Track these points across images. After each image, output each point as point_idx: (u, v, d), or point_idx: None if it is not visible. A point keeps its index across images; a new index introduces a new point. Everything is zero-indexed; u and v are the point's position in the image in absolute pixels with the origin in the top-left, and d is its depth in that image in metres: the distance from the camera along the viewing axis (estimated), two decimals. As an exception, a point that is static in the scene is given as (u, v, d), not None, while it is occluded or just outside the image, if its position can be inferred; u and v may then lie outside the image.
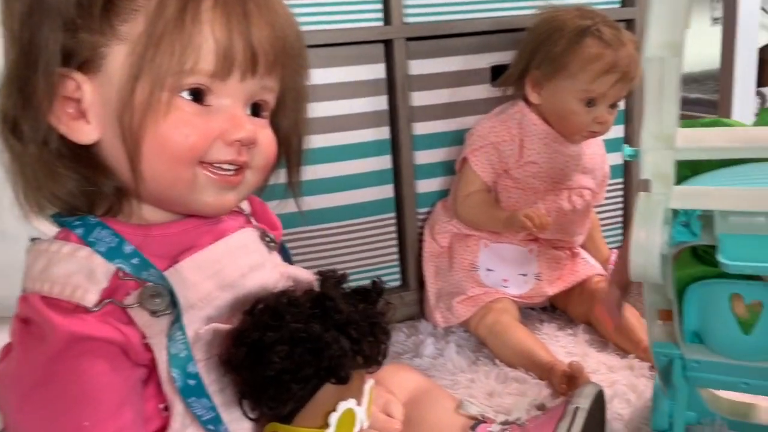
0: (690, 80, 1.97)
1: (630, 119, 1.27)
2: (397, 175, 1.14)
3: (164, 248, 0.54)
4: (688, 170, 0.68)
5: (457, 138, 1.14)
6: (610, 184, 1.21)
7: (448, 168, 1.16)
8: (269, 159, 0.57)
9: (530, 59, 1.05)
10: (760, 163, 0.66)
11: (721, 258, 0.57)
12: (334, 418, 0.53)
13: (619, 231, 1.34)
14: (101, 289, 0.50)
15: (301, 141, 0.63)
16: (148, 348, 0.51)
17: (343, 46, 1.05)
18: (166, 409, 0.52)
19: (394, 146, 1.13)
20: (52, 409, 0.49)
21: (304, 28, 1.02)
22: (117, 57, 0.50)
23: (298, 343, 0.50)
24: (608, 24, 1.03)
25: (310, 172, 1.05)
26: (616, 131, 1.24)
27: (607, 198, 1.23)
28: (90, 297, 0.49)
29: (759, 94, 1.49)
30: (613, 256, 1.18)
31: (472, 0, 1.11)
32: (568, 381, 0.89)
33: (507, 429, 0.75)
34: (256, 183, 0.58)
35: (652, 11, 0.51)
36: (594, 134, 1.07)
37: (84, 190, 0.53)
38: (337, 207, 1.10)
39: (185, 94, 0.51)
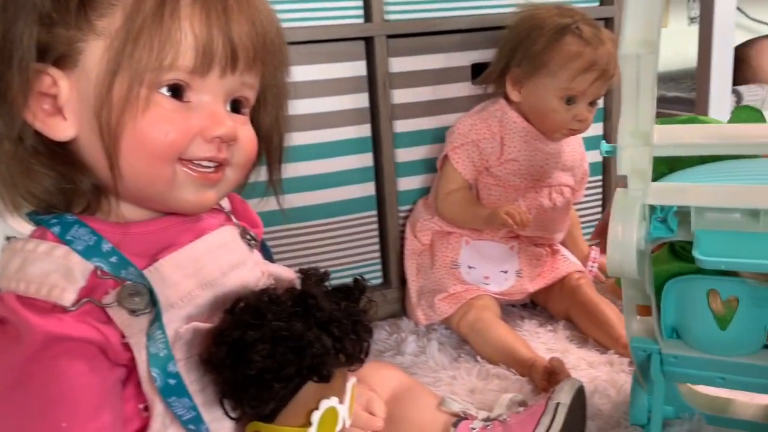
0: (668, 79, 1.99)
1: (609, 117, 1.28)
2: (379, 172, 1.14)
3: (143, 246, 0.53)
4: (666, 167, 0.68)
5: (439, 135, 1.14)
6: (590, 182, 1.22)
7: (430, 165, 1.16)
8: (249, 156, 0.57)
9: (510, 57, 1.06)
10: (735, 160, 0.66)
11: (697, 254, 0.58)
12: (316, 417, 0.53)
13: (599, 228, 1.35)
14: (79, 288, 0.49)
15: (281, 138, 0.63)
16: (127, 347, 0.50)
17: (323, 43, 1.05)
18: (146, 409, 0.52)
19: (376, 144, 1.13)
20: (28, 410, 0.48)
21: (285, 24, 1.02)
22: (94, 52, 0.49)
23: (280, 342, 0.50)
24: (587, 22, 1.04)
25: (291, 170, 1.05)
26: (595, 129, 1.25)
27: (586, 195, 1.24)
28: (67, 296, 0.49)
29: (735, 92, 1.51)
30: (593, 253, 1.19)
31: (452, -3, 1.11)
32: (548, 377, 0.89)
33: (489, 425, 0.75)
34: (236, 180, 0.57)
35: (628, 9, 0.51)
36: (574, 132, 1.08)
37: (61, 187, 0.52)
38: (319, 204, 1.10)
39: (164, 91, 0.50)
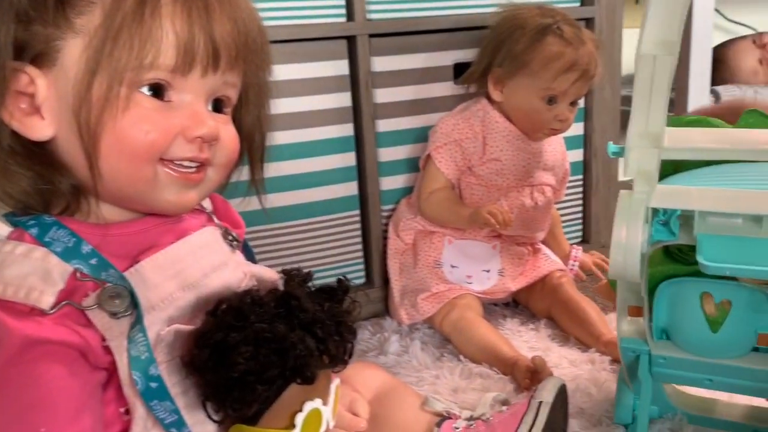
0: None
1: (589, 117, 1.28)
2: (361, 172, 1.14)
3: (124, 248, 0.53)
4: (671, 168, 0.68)
5: (421, 135, 1.14)
6: (570, 181, 1.23)
7: (412, 165, 1.16)
8: (231, 156, 0.56)
9: (492, 57, 1.06)
10: (740, 163, 0.67)
11: (700, 259, 0.58)
12: (300, 419, 0.52)
13: (579, 227, 1.36)
14: (58, 290, 0.48)
15: (263, 137, 0.63)
16: (107, 351, 0.49)
17: (306, 42, 1.04)
18: (127, 412, 0.51)
19: (358, 143, 1.12)
20: (6, 415, 0.47)
21: (266, 23, 1.01)
22: (73, 51, 0.48)
23: (263, 344, 0.50)
24: (569, 22, 1.04)
25: (274, 169, 1.05)
26: (576, 129, 1.26)
27: (567, 194, 1.24)
28: (46, 299, 0.48)
29: (713, 92, 1.53)
30: (574, 252, 1.20)
31: (434, -3, 1.11)
32: (531, 376, 0.90)
33: (472, 425, 0.75)
34: (218, 180, 0.57)
35: (649, 8, 0.51)
36: (555, 132, 1.08)
37: (39, 188, 0.51)
38: (301, 204, 1.09)
39: (145, 90, 0.50)
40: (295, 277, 0.58)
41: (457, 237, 1.12)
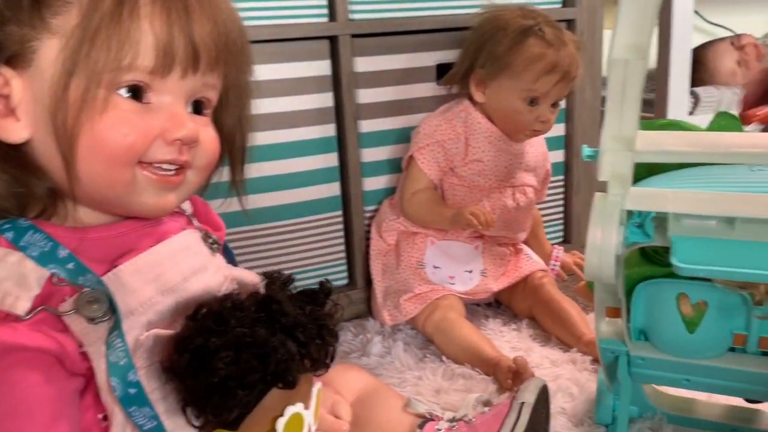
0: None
1: (570, 118, 1.29)
2: (344, 172, 1.13)
3: (102, 252, 0.52)
4: (644, 170, 0.69)
5: (404, 135, 1.14)
6: (552, 182, 1.23)
7: (395, 166, 1.16)
8: (211, 158, 0.56)
9: (474, 58, 1.06)
10: (711, 165, 0.67)
11: (674, 260, 0.58)
12: (281, 423, 0.52)
13: (561, 227, 1.36)
14: (33, 296, 0.48)
15: (244, 139, 0.62)
16: (85, 357, 0.49)
17: (288, 42, 1.04)
18: (106, 419, 0.50)
19: (341, 144, 1.12)
20: (-19, 423, 0.46)
21: (248, 23, 1.00)
22: (49, 51, 0.48)
23: (244, 348, 0.49)
24: (550, 24, 1.05)
25: (255, 170, 1.04)
26: (557, 130, 1.26)
27: (548, 195, 1.25)
28: (21, 304, 0.47)
29: (692, 93, 1.55)
30: (555, 252, 1.20)
31: (417, -3, 1.11)
32: (513, 376, 0.90)
33: (454, 426, 0.75)
34: (197, 183, 0.56)
35: (620, 13, 0.51)
36: (536, 133, 1.09)
37: (14, 191, 0.50)
38: (283, 205, 1.09)
39: (123, 92, 0.49)
40: (276, 281, 0.57)
41: (440, 238, 1.12)
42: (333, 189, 1.13)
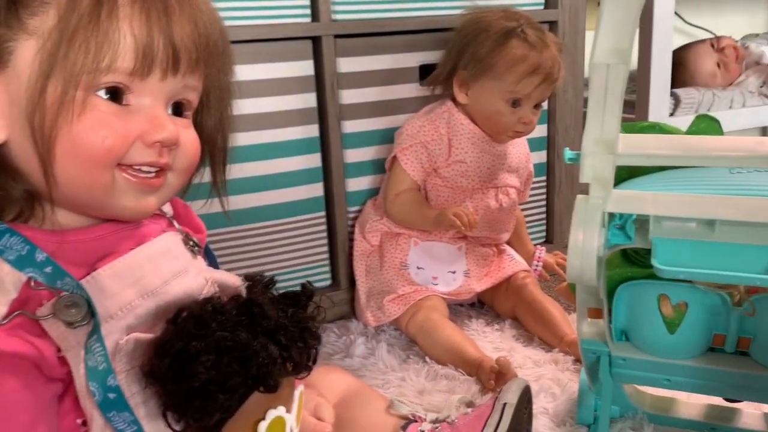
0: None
1: (552, 119, 1.30)
2: (327, 173, 1.13)
3: (81, 255, 0.51)
4: (626, 172, 0.70)
5: (387, 136, 1.14)
6: (534, 182, 1.24)
7: (378, 166, 1.15)
8: (192, 160, 0.55)
9: (457, 59, 1.06)
10: (693, 168, 0.68)
11: (655, 262, 0.59)
12: (263, 427, 0.51)
13: (543, 228, 1.37)
14: (10, 300, 0.47)
15: (226, 140, 0.62)
16: (63, 361, 0.48)
17: (270, 42, 1.03)
18: (85, 423, 0.50)
19: (324, 144, 1.12)
20: (-43, 430, 0.45)
21: (230, 23, 1.00)
22: (25, 52, 0.47)
23: (225, 352, 0.49)
24: (532, 26, 1.05)
25: (238, 171, 1.03)
26: (540, 131, 1.27)
27: (531, 195, 1.26)
28: (-3, 309, 0.46)
29: (673, 95, 1.56)
30: (538, 252, 1.21)
31: (400, -2, 1.11)
32: (495, 376, 0.90)
33: (437, 427, 0.75)
34: (178, 185, 0.55)
35: (602, 18, 0.51)
36: (519, 134, 1.09)
37: (-10, 194, 0.49)
38: (266, 206, 1.08)
39: (102, 93, 0.48)
40: (258, 283, 0.57)
41: (423, 238, 1.12)
42: (316, 190, 1.13)
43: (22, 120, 0.47)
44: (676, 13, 1.50)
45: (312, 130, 1.10)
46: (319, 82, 1.09)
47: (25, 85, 0.47)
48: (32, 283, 0.48)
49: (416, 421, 0.76)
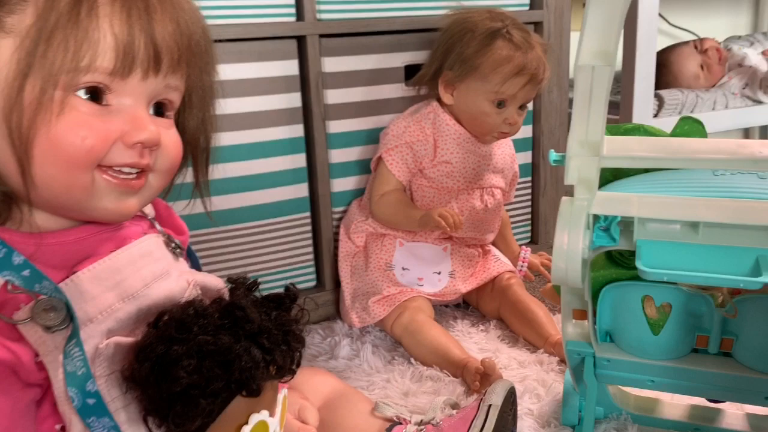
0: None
1: (538, 120, 1.30)
2: (312, 173, 1.12)
3: (60, 258, 0.50)
4: (610, 174, 0.70)
5: (372, 136, 1.14)
6: (519, 183, 1.24)
7: (364, 167, 1.15)
8: (174, 161, 0.54)
9: (443, 60, 1.06)
10: (677, 170, 0.68)
11: (639, 264, 0.59)
12: (245, 432, 0.51)
13: (528, 228, 1.37)
14: (-14, 304, 0.46)
15: (208, 140, 0.61)
16: (41, 366, 0.47)
17: (254, 41, 1.03)
18: (63, 429, 0.49)
19: (309, 144, 1.11)
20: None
21: (213, 22, 0.99)
22: (3, 51, 0.46)
23: (207, 356, 0.48)
24: (518, 27, 1.05)
25: (221, 171, 1.03)
26: (525, 132, 1.28)
27: (516, 196, 1.26)
28: (-27, 314, 0.45)
29: (657, 96, 1.57)
30: (523, 253, 1.21)
31: (385, -2, 1.11)
32: (481, 378, 0.90)
33: (422, 429, 0.75)
34: (159, 186, 0.55)
35: (587, 20, 0.51)
36: (504, 135, 1.09)
37: (-34, 196, 0.48)
38: (250, 207, 1.08)
39: (81, 93, 0.48)
40: (241, 286, 0.56)
41: (409, 239, 1.12)
42: (301, 190, 1.12)
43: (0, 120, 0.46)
44: (660, 15, 1.51)
45: (297, 130, 1.09)
46: (304, 81, 1.08)
47: (2, 84, 0.46)
48: (9, 287, 0.47)
49: (401, 424, 0.76)
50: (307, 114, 1.10)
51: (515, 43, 1.02)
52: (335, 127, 1.11)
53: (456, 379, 0.95)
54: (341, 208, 1.17)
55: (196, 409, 0.48)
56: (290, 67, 1.06)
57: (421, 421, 0.77)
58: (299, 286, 0.93)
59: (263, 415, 0.52)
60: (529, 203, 1.35)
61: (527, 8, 1.24)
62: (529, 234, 1.38)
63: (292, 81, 1.07)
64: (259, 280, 0.57)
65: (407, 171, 1.09)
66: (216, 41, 0.58)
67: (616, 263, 0.73)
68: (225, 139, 1.01)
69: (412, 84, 1.13)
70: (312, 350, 1.05)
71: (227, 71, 0.98)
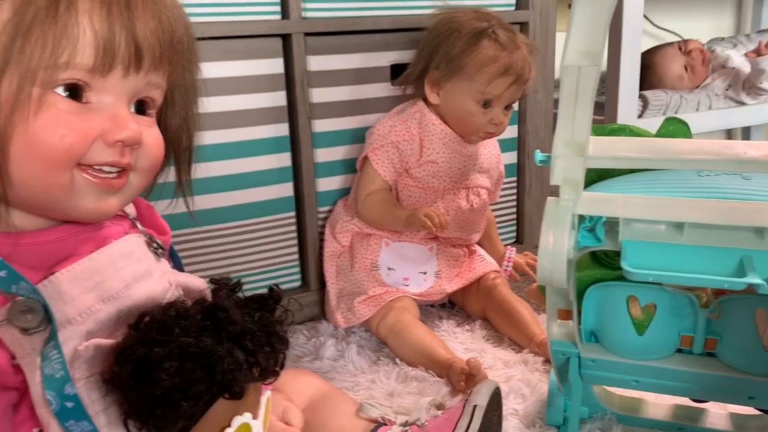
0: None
1: (523, 120, 1.30)
2: (297, 172, 1.12)
3: (38, 258, 0.49)
4: (595, 175, 0.70)
5: (358, 136, 1.13)
6: (505, 183, 1.24)
7: (349, 166, 1.14)
8: (155, 160, 0.54)
9: (429, 59, 1.06)
10: (662, 171, 0.68)
11: (624, 265, 0.59)
12: (228, 435, 0.50)
13: (513, 228, 1.38)
14: (-39, 306, 0.45)
15: (191, 139, 0.60)
16: (18, 369, 0.46)
17: (239, 39, 1.02)
18: (41, 433, 0.48)
19: (294, 143, 1.10)
20: None
21: (197, 19, 0.98)
22: None
23: (188, 358, 0.47)
24: (504, 27, 1.05)
25: (204, 170, 1.02)
26: (510, 132, 1.27)
27: (501, 196, 1.26)
28: (-52, 315, 0.44)
29: (641, 96, 1.58)
30: (508, 253, 1.21)
31: (371, -3, 1.10)
32: (466, 378, 0.90)
33: (407, 430, 0.75)
34: (141, 186, 0.54)
35: (573, 20, 0.51)
36: (490, 135, 1.09)
37: (-59, 195, 0.47)
38: (234, 206, 1.06)
39: (60, 91, 0.47)
40: (224, 286, 0.55)
41: (394, 239, 1.11)
42: (286, 189, 1.11)
43: None
44: (644, 16, 1.52)
45: (282, 129, 1.08)
46: (289, 80, 1.07)
47: None
48: (-15, 288, 0.46)
49: (386, 425, 0.75)
50: (292, 113, 1.09)
51: (501, 43, 1.02)
52: (321, 126, 1.11)
53: (441, 379, 0.94)
54: (327, 208, 1.16)
55: (178, 412, 0.48)
56: (275, 66, 1.05)
57: (406, 422, 0.76)
58: (284, 287, 0.92)
59: (246, 417, 0.52)
60: (515, 203, 1.35)
61: (513, 8, 1.24)
62: (514, 234, 1.38)
63: (277, 79, 1.06)
64: (243, 280, 0.57)
65: (393, 170, 1.08)
66: (200, 39, 0.57)
67: (601, 263, 0.73)
68: (209, 137, 1.00)
69: (398, 83, 1.13)
70: (296, 351, 1.04)
71: (211, 69, 0.97)
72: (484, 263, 1.16)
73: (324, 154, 1.12)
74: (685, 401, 0.81)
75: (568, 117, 0.56)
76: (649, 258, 0.60)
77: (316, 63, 1.08)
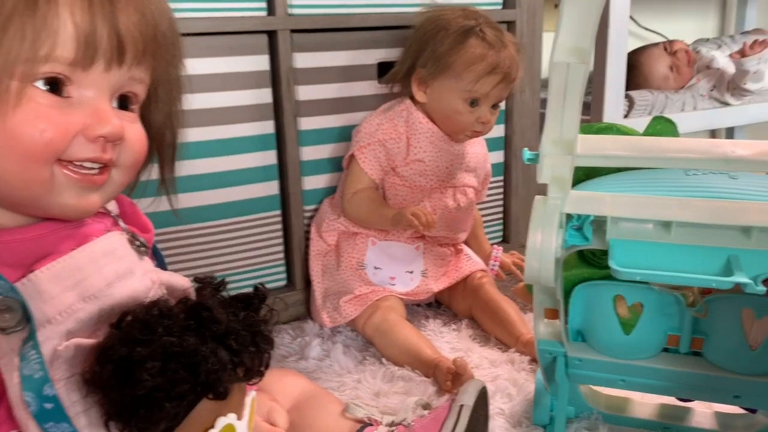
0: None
1: (510, 119, 1.30)
2: (283, 171, 1.11)
3: (16, 256, 0.48)
4: (583, 174, 0.70)
5: (344, 134, 1.12)
6: (491, 182, 1.24)
7: (335, 164, 1.14)
8: (138, 156, 0.53)
9: (416, 57, 1.05)
10: (650, 170, 0.68)
11: (612, 264, 0.59)
12: (212, 436, 0.49)
13: (500, 227, 1.37)
14: (-63, 305, 0.44)
15: (175, 135, 0.59)
16: (-5, 370, 0.45)
17: (224, 35, 1.01)
18: (20, 435, 0.47)
19: (279, 141, 1.09)
20: None
21: (182, 14, 0.97)
22: None
23: (171, 358, 0.46)
24: (491, 25, 1.05)
25: (188, 167, 1.01)
26: (497, 131, 1.27)
27: (488, 195, 1.26)
28: (-77, 315, 0.43)
29: (627, 97, 1.58)
30: (494, 252, 1.21)
31: (358, -6, 1.10)
32: (452, 378, 0.90)
33: (393, 430, 0.74)
34: (123, 182, 0.53)
35: (562, 17, 0.51)
36: (477, 134, 1.09)
37: None
38: (218, 204, 1.05)
39: (40, 84, 0.46)
40: (207, 285, 0.54)
41: (381, 238, 1.11)
42: (271, 188, 1.10)
43: None
44: (630, 17, 1.52)
45: (267, 127, 1.07)
46: (275, 77, 1.06)
47: None
48: (-38, 287, 0.45)
49: (372, 425, 0.75)
50: (277, 110, 1.08)
51: (488, 41, 1.02)
52: (307, 123, 1.10)
53: (428, 379, 0.94)
54: (312, 207, 1.15)
55: (161, 413, 0.47)
56: (261, 63, 1.05)
57: (393, 422, 0.76)
58: (269, 286, 0.91)
59: (230, 418, 0.51)
60: (501, 202, 1.35)
61: (500, 7, 1.24)
62: (501, 233, 1.38)
63: (262, 76, 1.05)
64: (228, 279, 0.56)
65: (380, 169, 1.08)
66: (184, 35, 0.56)
67: (588, 262, 0.73)
68: (193, 134, 0.99)
69: (385, 81, 1.12)
70: (282, 351, 1.03)
71: (196, 66, 0.96)
72: (471, 262, 1.16)
73: (310, 152, 1.12)
74: (672, 400, 0.81)
75: (557, 115, 0.56)
76: (637, 257, 0.59)
77: (303, 60, 1.07)
